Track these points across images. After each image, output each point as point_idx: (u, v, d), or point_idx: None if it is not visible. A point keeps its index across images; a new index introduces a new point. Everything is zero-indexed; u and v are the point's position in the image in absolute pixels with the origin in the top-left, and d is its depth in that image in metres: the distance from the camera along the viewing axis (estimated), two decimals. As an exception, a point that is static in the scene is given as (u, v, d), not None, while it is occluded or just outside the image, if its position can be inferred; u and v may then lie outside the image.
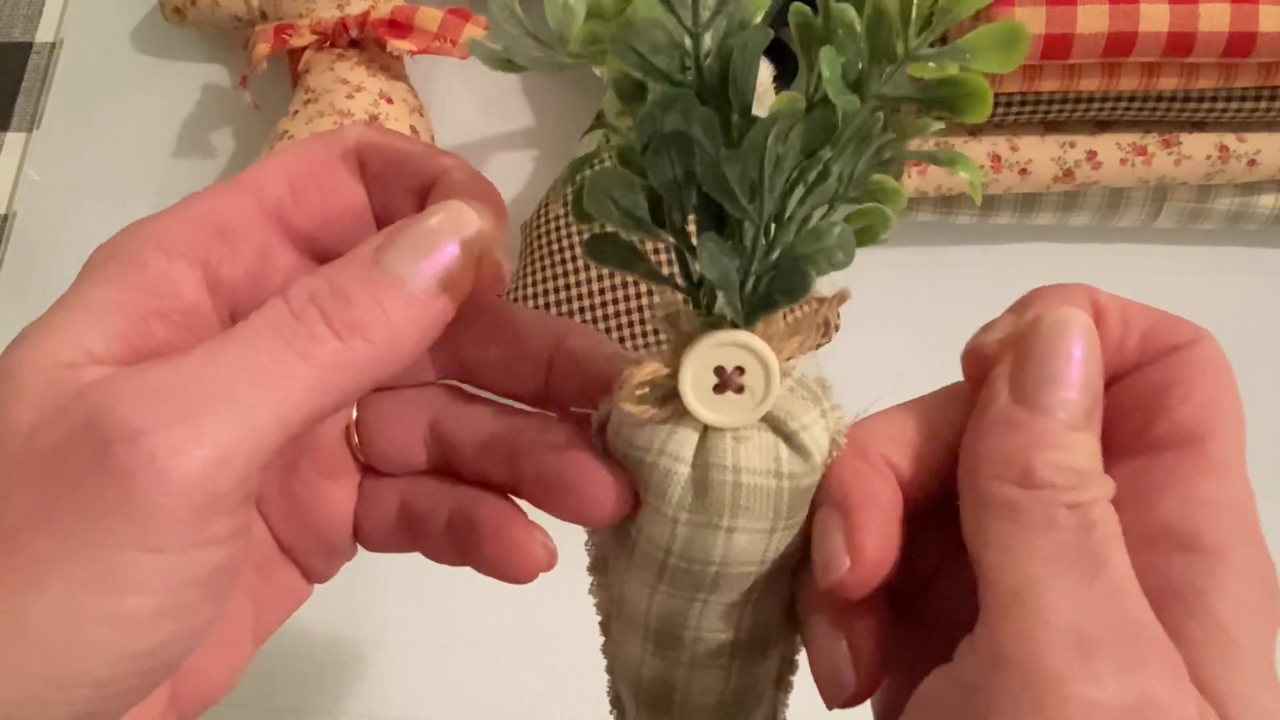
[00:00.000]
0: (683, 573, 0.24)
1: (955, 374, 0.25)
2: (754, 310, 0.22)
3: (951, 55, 0.20)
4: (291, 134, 0.56)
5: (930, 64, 0.20)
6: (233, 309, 0.24)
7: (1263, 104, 0.53)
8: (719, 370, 0.23)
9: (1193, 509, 0.22)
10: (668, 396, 0.23)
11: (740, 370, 0.23)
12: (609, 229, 0.23)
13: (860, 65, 0.21)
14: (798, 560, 0.25)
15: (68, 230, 0.63)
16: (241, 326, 0.21)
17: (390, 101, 0.57)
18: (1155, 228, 0.59)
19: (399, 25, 0.57)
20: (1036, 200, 0.57)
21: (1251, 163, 0.55)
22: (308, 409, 0.21)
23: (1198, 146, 0.54)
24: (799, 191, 0.21)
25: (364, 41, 0.58)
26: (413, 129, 0.57)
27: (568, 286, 0.52)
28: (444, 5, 0.58)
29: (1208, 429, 0.22)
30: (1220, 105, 0.53)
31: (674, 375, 0.23)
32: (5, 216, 0.63)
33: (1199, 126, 0.55)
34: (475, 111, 0.63)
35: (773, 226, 0.22)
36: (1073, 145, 0.55)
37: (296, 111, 0.57)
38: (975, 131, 0.55)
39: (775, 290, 0.22)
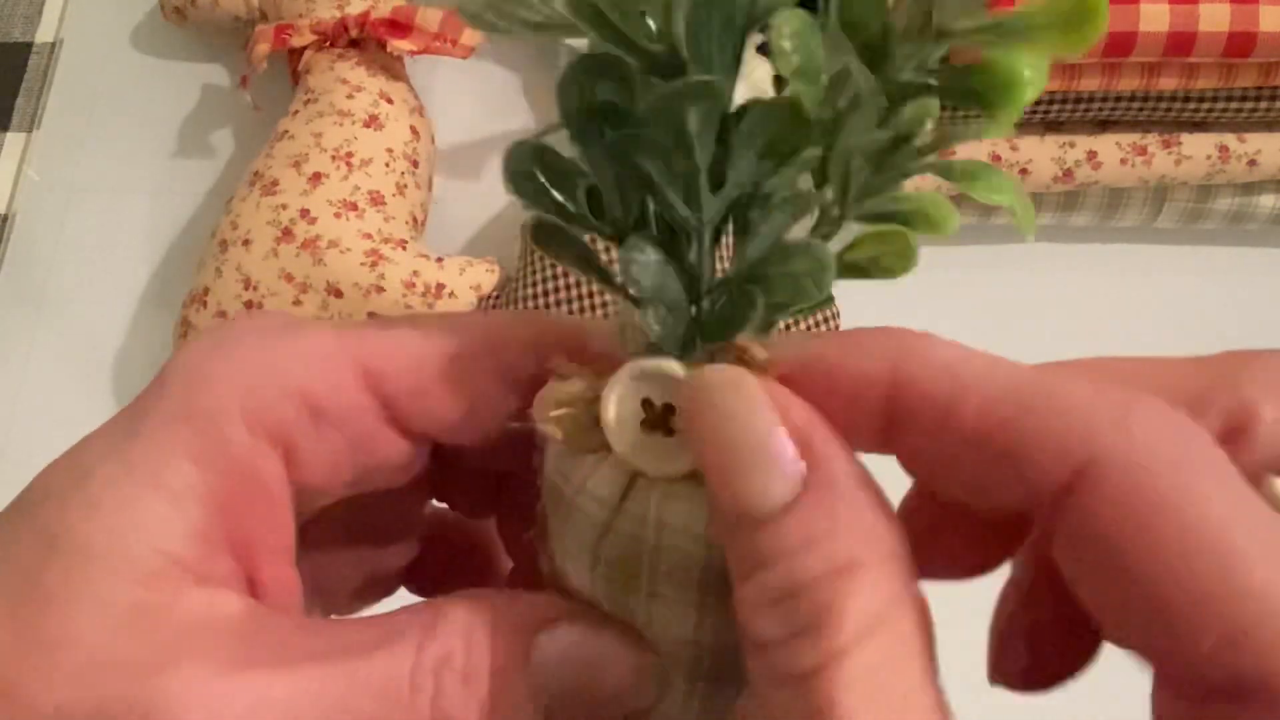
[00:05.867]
0: None
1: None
2: (703, 337, 0.18)
3: (1004, 31, 0.15)
4: (291, 134, 0.56)
5: (972, 41, 0.15)
6: (302, 488, 0.21)
7: (1263, 104, 0.53)
8: (647, 404, 0.19)
9: None
10: (597, 423, 0.19)
11: (670, 409, 0.19)
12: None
13: (885, 38, 0.16)
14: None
15: (68, 230, 0.63)
16: (348, 653, 0.18)
17: (390, 101, 0.57)
18: (1155, 228, 0.59)
19: (399, 25, 0.57)
20: (1036, 200, 0.57)
21: (1251, 163, 0.55)
22: None
23: (1198, 146, 0.54)
24: (774, 195, 0.17)
25: (364, 41, 0.58)
26: (412, 129, 0.57)
27: (568, 287, 0.52)
28: (444, 5, 0.58)
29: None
30: (1220, 105, 0.53)
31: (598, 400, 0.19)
32: (5, 216, 0.63)
33: (1199, 126, 0.55)
34: (475, 111, 0.63)
35: (729, 237, 0.18)
36: (1073, 145, 0.55)
37: (296, 111, 0.57)
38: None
39: (720, 316, 0.18)
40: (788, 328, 0.52)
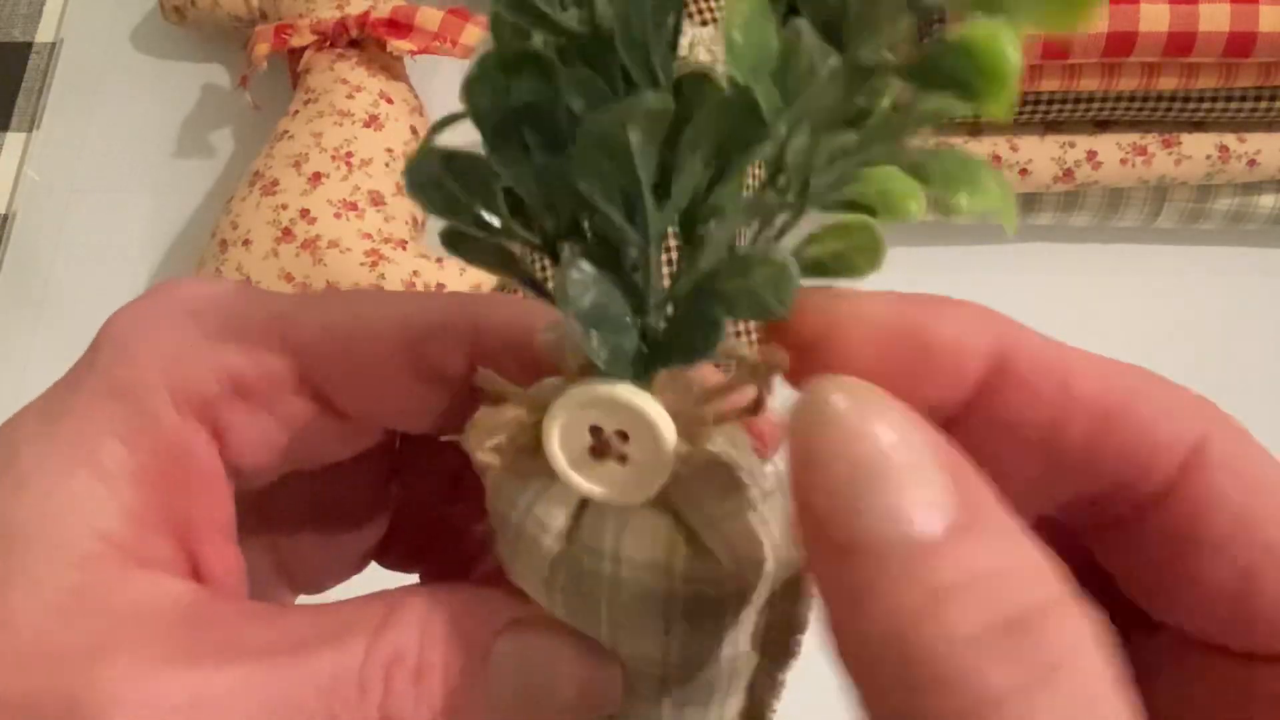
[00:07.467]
0: None
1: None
2: (651, 360, 0.16)
3: (988, 2, 0.13)
4: (291, 134, 0.56)
5: (950, 10, 0.13)
6: (236, 467, 0.20)
7: (1263, 104, 0.53)
8: (595, 430, 0.17)
9: None
10: (539, 446, 0.17)
11: (623, 436, 0.16)
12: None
13: (849, 11, 0.13)
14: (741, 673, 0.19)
15: (68, 230, 0.63)
16: (295, 647, 0.17)
17: (390, 101, 0.57)
18: (1155, 228, 0.59)
19: (399, 25, 0.57)
20: (1036, 200, 0.57)
21: (1251, 163, 0.54)
22: None
23: (1198, 146, 0.54)
24: (725, 195, 0.15)
25: (364, 41, 0.58)
26: (412, 129, 0.57)
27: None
28: (444, 5, 0.58)
29: None
30: (1220, 105, 0.53)
31: (539, 424, 0.17)
32: (5, 216, 0.63)
33: (1199, 126, 0.55)
34: (475, 111, 0.63)
35: (674, 246, 0.15)
36: (1073, 145, 0.55)
37: (296, 111, 0.57)
38: (975, 131, 0.55)
39: (672, 339, 0.16)
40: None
